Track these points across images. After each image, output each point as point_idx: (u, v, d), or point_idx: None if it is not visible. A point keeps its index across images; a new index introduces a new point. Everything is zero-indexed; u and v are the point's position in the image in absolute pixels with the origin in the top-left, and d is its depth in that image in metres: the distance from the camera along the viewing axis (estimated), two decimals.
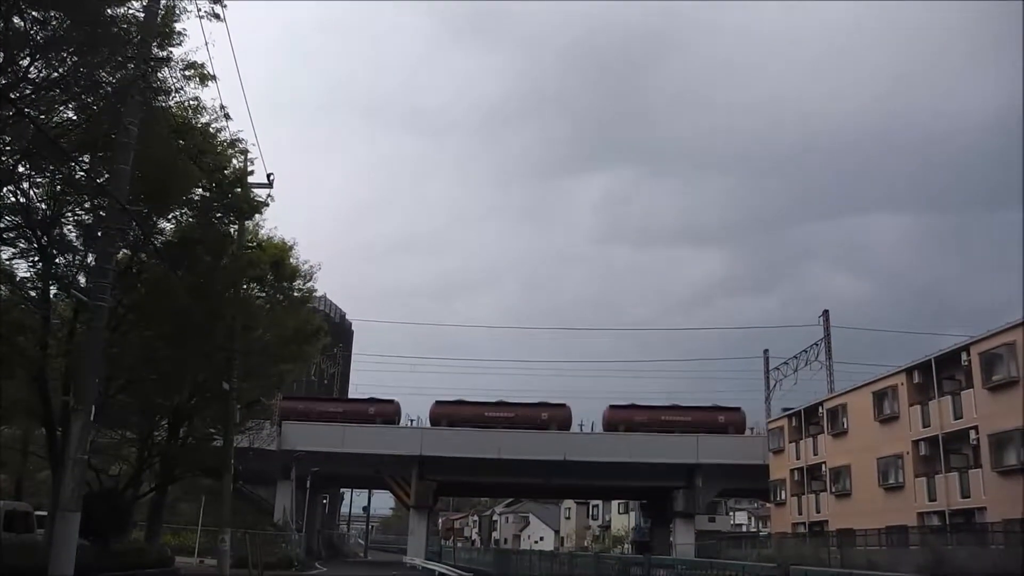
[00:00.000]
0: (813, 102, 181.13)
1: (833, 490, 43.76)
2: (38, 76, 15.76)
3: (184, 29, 16.62)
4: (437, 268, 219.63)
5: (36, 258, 19.82)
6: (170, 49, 16.26)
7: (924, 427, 36.37)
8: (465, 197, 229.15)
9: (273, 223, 28.16)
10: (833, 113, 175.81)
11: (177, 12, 16.30)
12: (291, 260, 28.85)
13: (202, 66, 17.68)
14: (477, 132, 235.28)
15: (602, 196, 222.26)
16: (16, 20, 14.84)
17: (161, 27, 15.65)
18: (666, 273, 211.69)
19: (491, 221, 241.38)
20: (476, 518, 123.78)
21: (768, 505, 58.87)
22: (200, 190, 21.09)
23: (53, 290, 20.58)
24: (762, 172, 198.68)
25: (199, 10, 15.76)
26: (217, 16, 15.78)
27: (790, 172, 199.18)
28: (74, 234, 20.58)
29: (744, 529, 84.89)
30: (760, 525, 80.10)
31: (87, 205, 19.45)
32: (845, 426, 43.21)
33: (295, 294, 29.91)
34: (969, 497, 33.21)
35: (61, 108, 17.04)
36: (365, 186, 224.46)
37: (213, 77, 17.93)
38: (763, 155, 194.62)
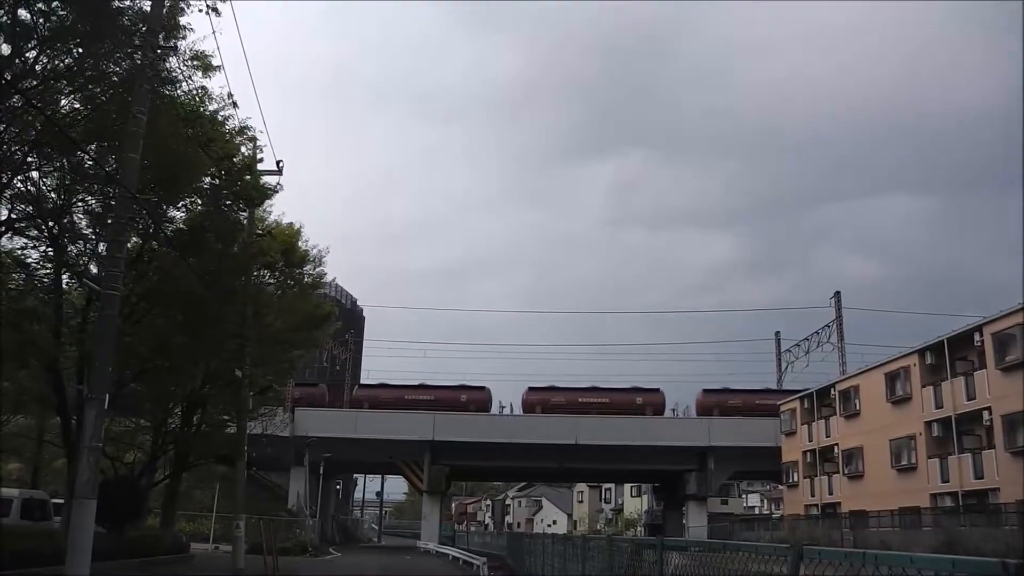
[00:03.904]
0: (825, 84, 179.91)
1: (846, 472, 43.74)
2: (44, 67, 15.80)
3: (189, 23, 16.73)
4: (449, 253, 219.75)
5: (47, 247, 19.91)
6: (174, 42, 16.28)
7: (937, 408, 36.27)
8: (477, 181, 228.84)
9: (281, 208, 28.19)
10: (844, 94, 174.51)
11: (181, 6, 16.33)
12: (300, 244, 28.87)
13: (207, 56, 17.77)
14: (487, 116, 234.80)
15: (614, 180, 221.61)
16: (22, 12, 14.89)
17: (166, 20, 15.66)
18: (677, 256, 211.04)
19: (503, 205, 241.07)
20: (489, 502, 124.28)
21: (780, 487, 58.92)
22: (209, 178, 21.12)
23: (65, 279, 20.68)
24: (773, 155, 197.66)
25: (206, 6, 15.84)
26: (216, 11, 15.85)
27: (801, 154, 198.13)
28: (84, 223, 20.67)
29: (757, 511, 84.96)
30: (773, 507, 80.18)
31: (97, 193, 19.51)
32: (857, 408, 43.14)
33: (305, 279, 29.94)
34: (982, 478, 33.15)
35: (69, 98, 17.09)
36: (375, 171, 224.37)
37: (217, 68, 18.04)
38: (774, 137, 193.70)
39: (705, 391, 57.85)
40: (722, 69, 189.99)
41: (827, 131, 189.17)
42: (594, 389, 57.92)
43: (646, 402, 56.94)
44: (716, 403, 56.53)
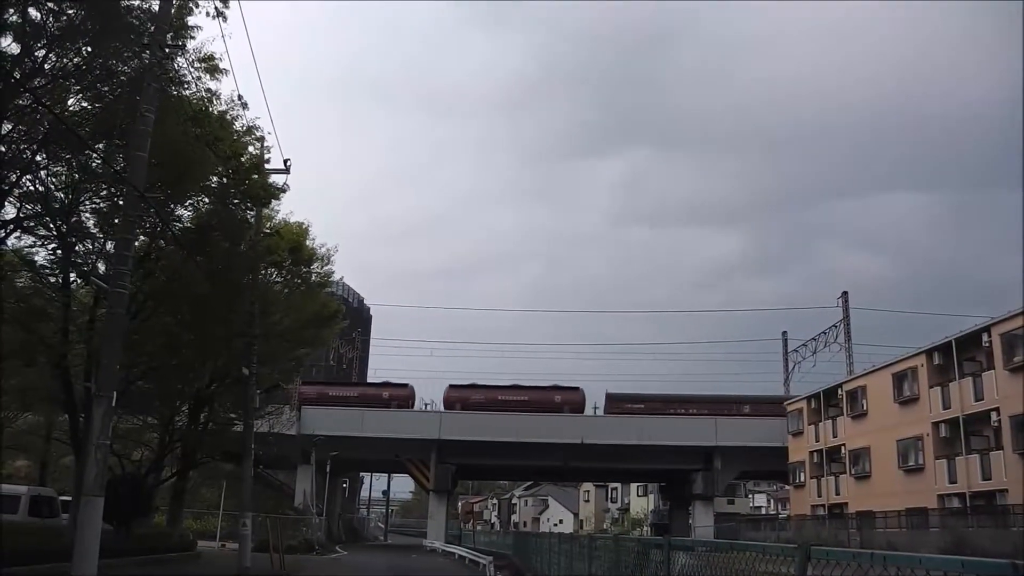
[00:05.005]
0: (827, 81, 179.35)
1: (852, 472, 43.64)
2: (53, 66, 15.86)
3: (197, 25, 16.81)
4: (453, 251, 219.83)
5: (55, 246, 19.96)
6: (182, 41, 16.36)
7: (944, 409, 36.15)
8: (481, 179, 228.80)
9: (289, 207, 28.24)
10: (847, 92, 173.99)
11: (190, 5, 16.39)
12: (307, 243, 28.90)
13: (215, 58, 17.87)
14: (492, 114, 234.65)
15: (618, 177, 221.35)
16: (32, 11, 14.97)
17: (174, 20, 15.72)
18: (682, 254, 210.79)
19: (508, 203, 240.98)
20: (495, 501, 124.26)
21: (787, 487, 58.79)
22: (216, 177, 21.15)
23: (73, 277, 20.75)
24: (776, 152, 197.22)
25: (214, 10, 15.93)
26: (224, 16, 15.91)
27: (804, 152, 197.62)
28: (92, 221, 20.72)
29: (763, 512, 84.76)
30: (779, 507, 79.96)
31: (104, 193, 19.57)
32: (864, 408, 43.03)
33: (312, 278, 29.98)
34: (990, 479, 33.03)
35: (77, 97, 17.16)
36: (380, 170, 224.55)
37: (224, 71, 18.14)
38: (777, 135, 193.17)
39: (451, 386, 57.82)
40: (725, 68, 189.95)
41: (829, 128, 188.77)
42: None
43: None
44: (459, 398, 56.64)
